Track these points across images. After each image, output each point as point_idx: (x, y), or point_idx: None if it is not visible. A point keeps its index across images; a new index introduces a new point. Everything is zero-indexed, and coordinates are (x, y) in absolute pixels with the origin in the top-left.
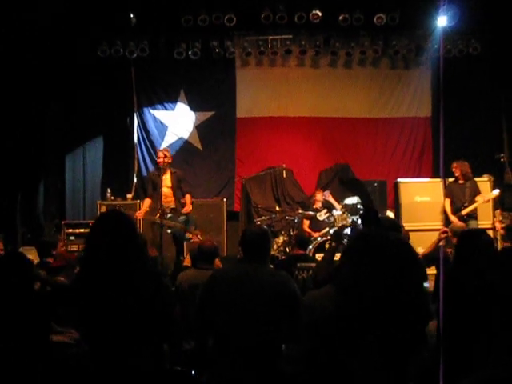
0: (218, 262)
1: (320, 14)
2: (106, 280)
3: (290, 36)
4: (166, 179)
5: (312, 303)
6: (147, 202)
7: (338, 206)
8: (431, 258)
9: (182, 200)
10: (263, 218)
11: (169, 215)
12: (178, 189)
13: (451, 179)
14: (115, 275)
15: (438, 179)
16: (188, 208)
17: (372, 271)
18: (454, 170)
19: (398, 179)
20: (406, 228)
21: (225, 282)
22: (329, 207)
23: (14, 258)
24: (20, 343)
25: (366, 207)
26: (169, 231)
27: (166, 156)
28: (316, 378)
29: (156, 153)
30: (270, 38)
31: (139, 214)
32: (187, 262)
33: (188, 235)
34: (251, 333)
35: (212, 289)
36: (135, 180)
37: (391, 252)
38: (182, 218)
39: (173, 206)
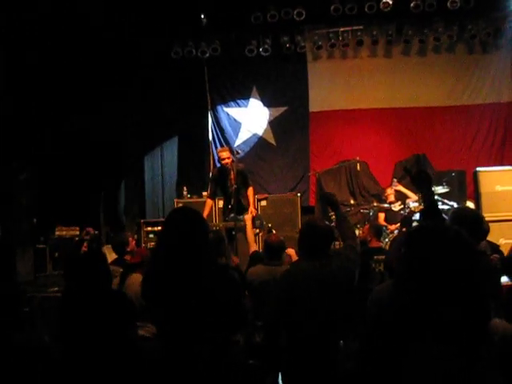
0: (293, 254)
1: (391, 2)
2: (177, 278)
3: (361, 27)
4: (232, 179)
5: (377, 296)
6: (208, 203)
7: (411, 195)
8: None
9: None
10: None
11: (231, 215)
12: (243, 185)
13: None
14: (187, 273)
15: None
16: (252, 211)
17: (426, 265)
18: None
19: (477, 168)
20: (487, 219)
21: (300, 278)
22: (401, 198)
23: (93, 259)
24: (103, 338)
25: (429, 200)
26: (233, 233)
27: (229, 157)
28: (371, 374)
29: (217, 153)
30: (341, 29)
31: None
32: None
33: (255, 231)
34: (327, 328)
35: (287, 285)
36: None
37: (447, 246)
38: (241, 216)
39: (240, 204)
